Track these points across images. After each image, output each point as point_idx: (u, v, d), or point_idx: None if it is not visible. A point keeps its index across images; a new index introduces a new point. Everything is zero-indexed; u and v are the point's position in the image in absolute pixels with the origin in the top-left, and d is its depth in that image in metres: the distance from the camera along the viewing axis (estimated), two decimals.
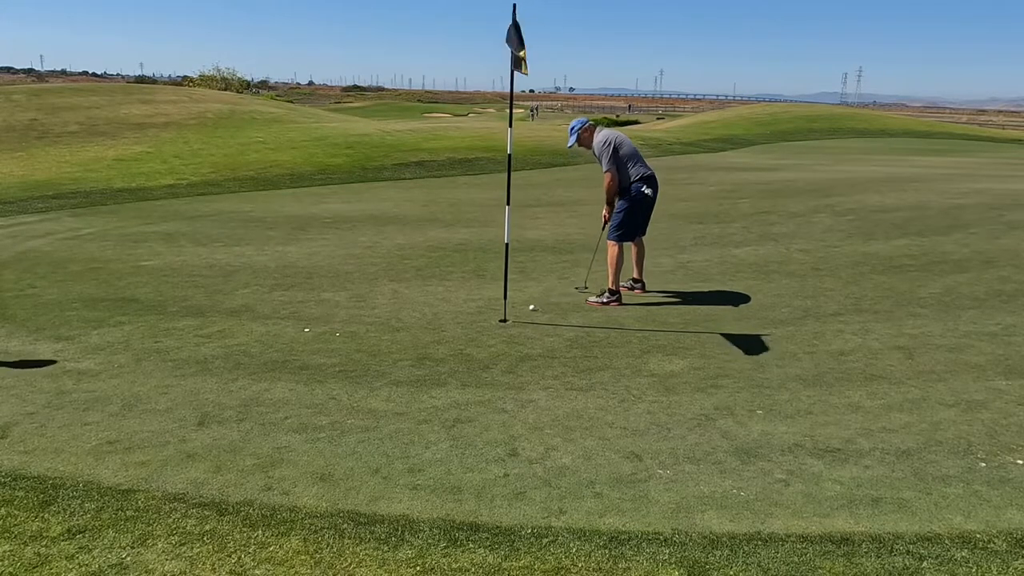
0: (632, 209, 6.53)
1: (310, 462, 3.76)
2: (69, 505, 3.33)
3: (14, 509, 3.29)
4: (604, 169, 6.49)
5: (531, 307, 6.47)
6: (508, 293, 6.36)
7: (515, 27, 5.61)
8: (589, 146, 6.64)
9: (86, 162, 16.37)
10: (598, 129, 6.71)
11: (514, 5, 5.63)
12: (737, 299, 6.79)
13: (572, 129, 6.67)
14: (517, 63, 5.68)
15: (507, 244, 6.45)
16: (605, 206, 6.64)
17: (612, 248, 6.53)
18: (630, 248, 6.82)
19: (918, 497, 3.41)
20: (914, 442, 3.96)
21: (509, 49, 5.68)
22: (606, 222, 6.67)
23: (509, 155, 6.39)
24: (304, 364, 5.13)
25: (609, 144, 6.46)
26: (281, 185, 15.14)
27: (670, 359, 5.22)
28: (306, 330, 5.88)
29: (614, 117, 61.27)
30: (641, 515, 3.27)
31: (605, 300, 6.57)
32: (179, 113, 22.33)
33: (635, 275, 7.00)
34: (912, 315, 6.22)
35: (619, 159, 6.47)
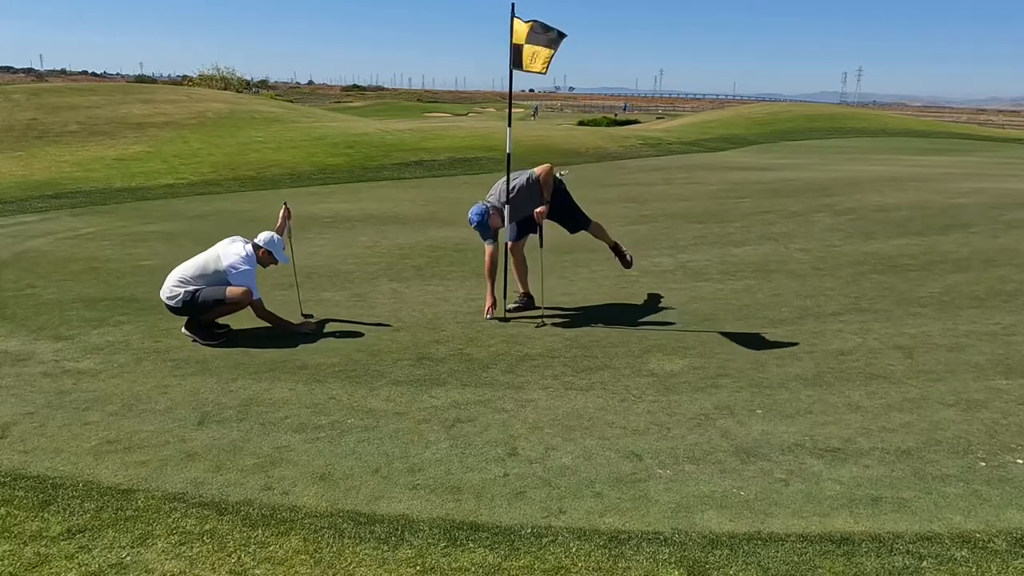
0: None
1: (310, 462, 3.76)
2: (69, 505, 3.33)
3: (14, 509, 3.29)
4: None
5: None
6: (508, 293, 6.35)
7: (545, 27, 5.65)
8: (546, 192, 6.13)
9: (86, 162, 16.36)
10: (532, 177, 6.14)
11: (512, 5, 5.63)
12: (737, 299, 6.78)
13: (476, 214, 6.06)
14: (532, 60, 5.69)
15: (507, 244, 6.45)
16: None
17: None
18: (512, 261, 6.47)
19: (918, 497, 3.41)
20: (914, 442, 3.96)
21: (510, 46, 5.68)
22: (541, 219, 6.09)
23: (508, 154, 6.38)
24: (304, 364, 5.14)
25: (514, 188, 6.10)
26: (281, 185, 15.13)
27: (670, 359, 5.23)
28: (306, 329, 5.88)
29: (613, 116, 61.28)
30: (641, 515, 3.28)
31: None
32: (179, 113, 22.31)
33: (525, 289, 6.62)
34: (912, 315, 6.22)
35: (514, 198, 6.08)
